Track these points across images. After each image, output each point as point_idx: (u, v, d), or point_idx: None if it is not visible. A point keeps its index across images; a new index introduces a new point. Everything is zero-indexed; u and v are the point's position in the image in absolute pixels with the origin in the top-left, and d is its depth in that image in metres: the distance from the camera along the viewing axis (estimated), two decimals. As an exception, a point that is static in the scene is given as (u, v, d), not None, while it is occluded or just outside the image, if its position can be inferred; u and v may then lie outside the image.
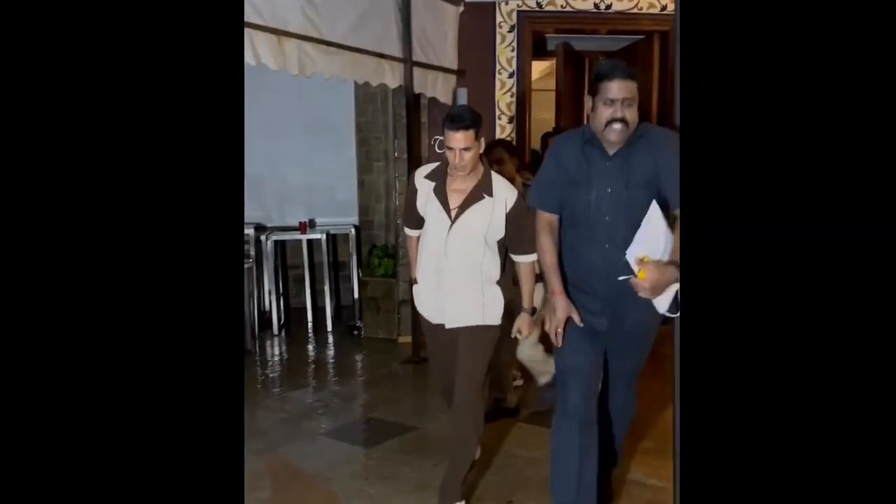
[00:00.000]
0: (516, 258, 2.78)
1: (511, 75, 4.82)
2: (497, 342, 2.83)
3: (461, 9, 4.70)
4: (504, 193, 2.67)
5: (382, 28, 4.07)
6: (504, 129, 4.82)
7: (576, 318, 2.31)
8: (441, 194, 2.69)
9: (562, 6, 4.77)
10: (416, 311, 2.97)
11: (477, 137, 2.58)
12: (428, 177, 2.75)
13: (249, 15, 3.19)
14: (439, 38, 4.58)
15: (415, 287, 2.90)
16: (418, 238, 2.89)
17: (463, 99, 4.70)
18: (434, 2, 4.46)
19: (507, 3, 4.75)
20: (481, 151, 2.66)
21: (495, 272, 2.76)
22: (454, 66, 4.69)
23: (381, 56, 4.02)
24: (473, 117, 2.57)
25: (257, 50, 3.22)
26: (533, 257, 2.67)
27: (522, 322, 2.79)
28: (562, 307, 2.31)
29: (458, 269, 2.70)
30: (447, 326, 2.76)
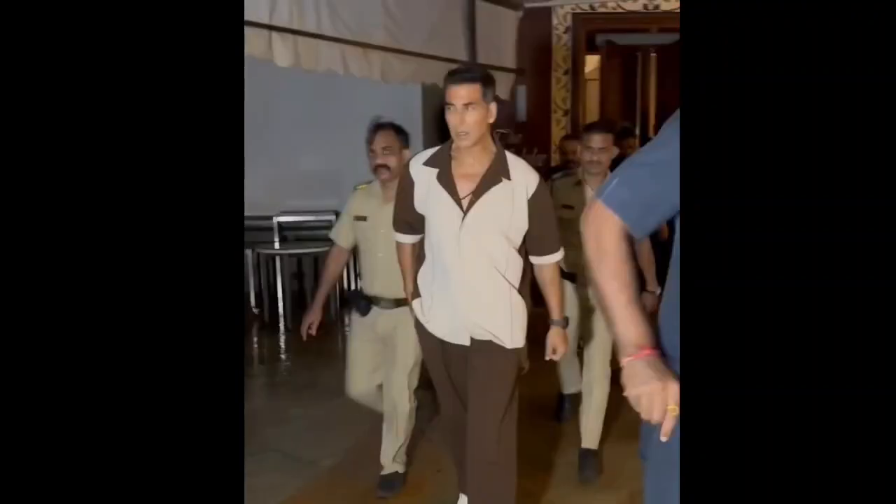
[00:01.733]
0: (538, 260, 2.30)
1: (566, 72, 5.29)
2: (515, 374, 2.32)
3: (521, 14, 5.18)
4: (524, 176, 2.19)
5: (451, 36, 4.59)
6: (559, 121, 5.30)
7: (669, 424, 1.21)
8: (447, 181, 2.18)
9: (613, 7, 5.20)
10: (422, 334, 2.42)
11: (485, 98, 2.10)
12: (428, 163, 2.24)
13: (341, 31, 3.75)
14: (500, 41, 5.08)
15: (417, 303, 2.38)
16: (413, 246, 2.41)
17: (522, 95, 5.20)
18: (496, 10, 4.96)
19: (562, 7, 5.21)
20: (492, 120, 2.16)
21: (517, 278, 2.28)
22: (513, 66, 5.18)
23: (451, 60, 4.55)
24: (481, 72, 2.19)
25: (347, 62, 3.78)
26: (558, 256, 2.31)
27: (556, 338, 2.32)
28: (667, 393, 1.21)
29: (475, 272, 2.20)
30: (464, 341, 2.28)
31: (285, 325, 5.22)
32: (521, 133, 4.84)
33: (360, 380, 2.88)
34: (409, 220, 2.34)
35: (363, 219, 2.77)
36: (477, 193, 2.14)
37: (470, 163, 2.17)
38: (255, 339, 5.18)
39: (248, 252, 5.42)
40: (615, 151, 2.96)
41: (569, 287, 2.94)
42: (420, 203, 2.26)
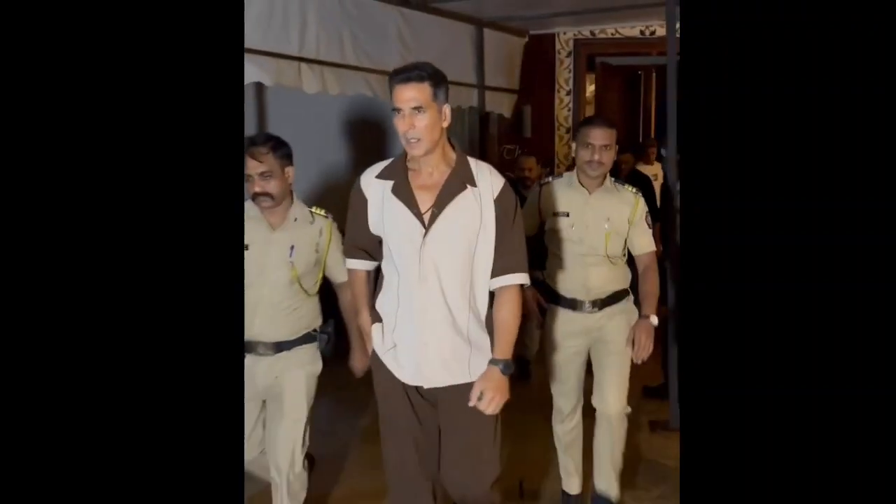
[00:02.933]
0: (497, 280, 1.92)
1: (568, 93, 5.72)
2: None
3: (526, 39, 5.62)
4: (489, 180, 1.91)
5: (461, 61, 5.05)
6: (562, 138, 5.73)
7: None
8: (404, 193, 1.89)
9: (612, 34, 5.62)
10: (379, 369, 2.04)
11: (436, 99, 1.82)
12: (381, 176, 1.95)
13: (362, 60, 4.22)
14: (507, 64, 5.52)
15: (376, 330, 2.02)
16: (368, 273, 2.08)
17: (527, 114, 5.63)
18: (503, 37, 5.40)
19: (564, 34, 5.65)
20: (446, 124, 1.87)
21: (485, 304, 1.95)
22: (518, 87, 5.63)
23: (461, 84, 5.00)
24: (429, 69, 1.84)
25: (371, 85, 4.25)
26: (522, 278, 1.92)
27: (489, 382, 1.85)
28: None
29: (439, 297, 1.88)
30: (428, 386, 1.94)
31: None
32: (525, 148, 5.24)
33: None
34: (363, 244, 2.02)
35: (245, 247, 2.17)
36: (439, 205, 1.86)
37: (428, 172, 1.90)
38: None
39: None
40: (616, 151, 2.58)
41: (568, 315, 2.61)
42: (375, 223, 1.95)
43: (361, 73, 4.22)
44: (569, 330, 2.62)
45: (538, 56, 5.68)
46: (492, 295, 1.96)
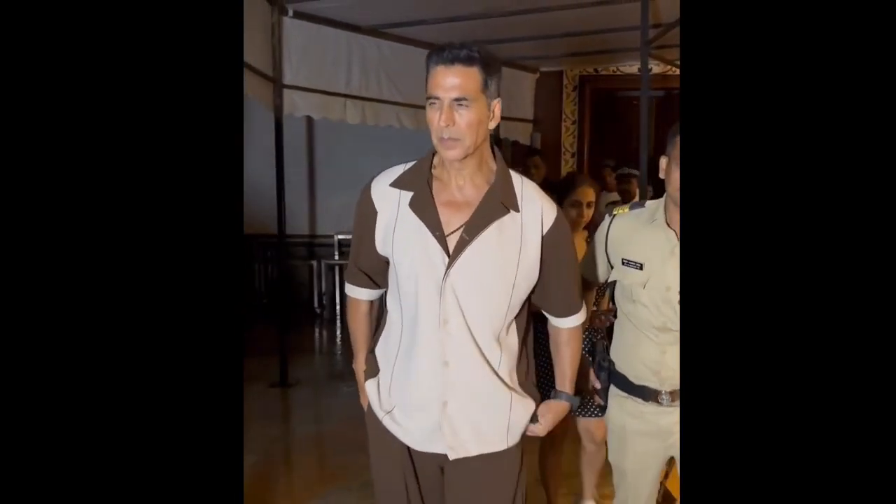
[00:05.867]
0: (557, 322, 1.67)
1: (574, 122, 6.54)
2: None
3: (537, 75, 6.46)
4: (537, 205, 1.53)
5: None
6: (567, 161, 6.54)
7: None
8: (425, 210, 1.49)
9: (613, 70, 6.43)
10: (376, 429, 1.64)
11: (486, 89, 1.43)
12: (397, 184, 1.54)
13: (393, 95, 5.07)
14: (521, 97, 6.36)
15: (372, 386, 1.64)
16: (371, 304, 1.71)
17: (537, 140, 6.45)
18: (518, 73, 6.25)
19: (570, 71, 6.47)
20: (494, 125, 1.49)
21: (516, 341, 1.61)
22: (530, 117, 6.45)
23: (478, 114, 5.85)
24: (484, 52, 1.43)
25: (399, 117, 5.09)
26: (582, 317, 1.67)
27: (551, 412, 1.66)
28: None
29: (467, 346, 1.51)
30: (454, 457, 1.56)
31: (341, 321, 6.62)
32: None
33: None
34: (367, 267, 1.63)
35: None
36: (471, 230, 1.46)
37: (460, 185, 1.51)
38: (317, 332, 6.54)
39: (314, 263, 6.90)
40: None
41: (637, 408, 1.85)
42: (383, 241, 1.55)
43: (393, 107, 5.08)
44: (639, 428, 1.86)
45: (548, 90, 6.51)
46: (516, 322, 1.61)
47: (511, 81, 6.17)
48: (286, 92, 4.45)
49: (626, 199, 3.96)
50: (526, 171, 4.87)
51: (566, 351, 1.69)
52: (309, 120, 5.96)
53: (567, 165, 6.53)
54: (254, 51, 4.00)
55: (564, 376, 1.69)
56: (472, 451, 1.57)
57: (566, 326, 1.66)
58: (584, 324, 1.70)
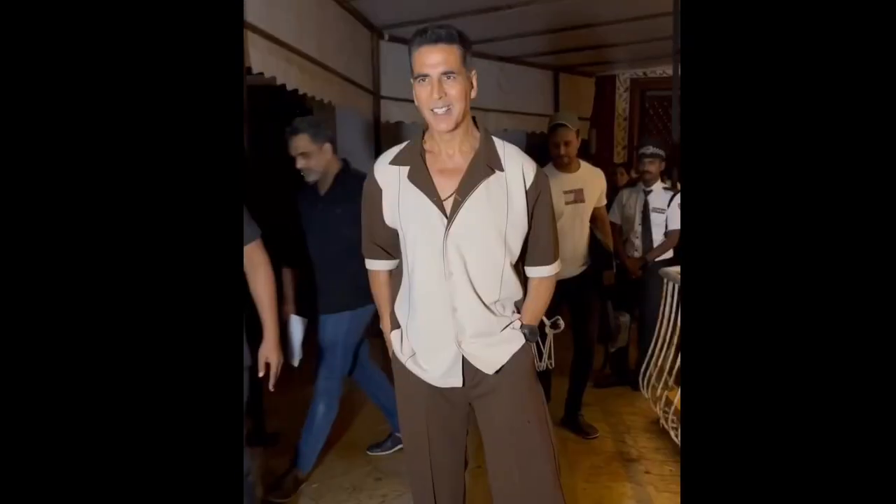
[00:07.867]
0: (534, 271, 1.83)
1: (625, 119, 7.46)
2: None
3: (594, 79, 7.40)
4: (519, 163, 1.72)
5: (544, 98, 6.87)
6: (619, 153, 7.47)
7: None
8: (422, 179, 1.69)
9: (661, 73, 7.32)
10: (401, 373, 1.87)
11: (466, 63, 1.63)
12: (395, 161, 1.74)
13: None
14: (579, 98, 7.28)
15: (395, 336, 1.86)
16: (389, 273, 1.91)
17: (594, 136, 7.39)
18: (576, 78, 7.19)
19: (622, 74, 7.41)
20: (475, 94, 1.68)
21: (518, 290, 1.82)
22: (588, 115, 7.39)
23: (542, 115, 6.84)
24: (458, 31, 1.63)
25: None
26: (556, 268, 1.82)
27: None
28: None
29: (469, 295, 1.71)
30: (458, 382, 1.77)
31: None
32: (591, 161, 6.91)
33: None
34: (380, 240, 1.83)
35: None
36: (463, 192, 1.66)
37: (450, 154, 1.70)
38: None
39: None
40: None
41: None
42: (391, 214, 1.75)
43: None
44: None
45: (603, 91, 7.45)
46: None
47: (570, 85, 7.13)
48: (383, 102, 5.34)
49: (646, 180, 4.28)
50: (612, 177, 5.47)
51: (537, 303, 1.85)
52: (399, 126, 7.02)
53: (619, 157, 7.46)
54: (356, 69, 4.76)
55: (527, 311, 1.85)
56: (489, 369, 1.77)
57: (541, 276, 1.83)
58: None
